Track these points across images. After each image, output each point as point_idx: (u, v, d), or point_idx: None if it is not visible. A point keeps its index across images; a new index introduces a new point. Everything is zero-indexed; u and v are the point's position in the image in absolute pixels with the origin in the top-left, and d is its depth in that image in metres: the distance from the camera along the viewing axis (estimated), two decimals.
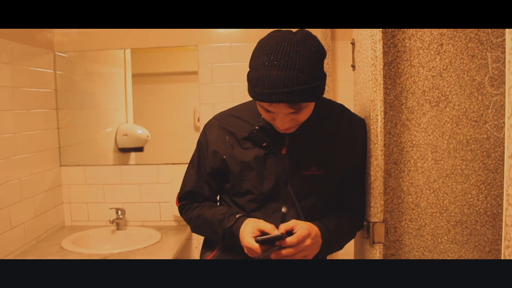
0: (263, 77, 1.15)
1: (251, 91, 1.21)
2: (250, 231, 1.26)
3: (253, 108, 1.39)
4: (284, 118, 1.23)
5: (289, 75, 1.13)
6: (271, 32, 1.22)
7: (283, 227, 1.25)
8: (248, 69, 1.23)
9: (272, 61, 1.14)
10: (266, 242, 1.22)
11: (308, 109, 1.25)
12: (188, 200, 1.50)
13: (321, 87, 1.21)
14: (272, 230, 1.24)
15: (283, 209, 1.29)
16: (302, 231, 1.23)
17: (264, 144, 1.35)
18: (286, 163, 1.35)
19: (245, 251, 1.27)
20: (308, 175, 1.36)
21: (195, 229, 1.49)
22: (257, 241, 1.21)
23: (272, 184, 1.36)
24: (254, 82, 1.18)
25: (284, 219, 1.28)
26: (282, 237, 1.21)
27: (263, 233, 1.25)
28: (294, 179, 1.35)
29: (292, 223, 1.26)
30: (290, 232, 1.25)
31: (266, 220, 1.29)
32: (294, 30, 1.23)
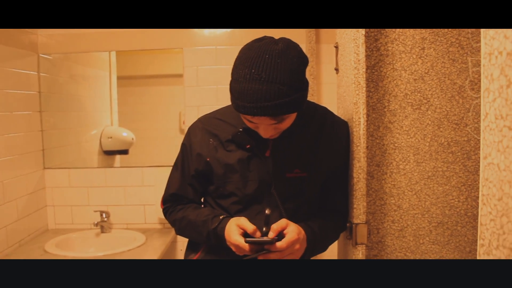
0: (245, 91, 1.15)
1: (233, 102, 1.23)
2: (235, 228, 1.27)
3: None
4: (267, 128, 1.25)
5: (270, 89, 1.13)
6: (253, 41, 1.22)
7: (276, 226, 1.26)
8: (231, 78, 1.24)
9: (253, 74, 1.14)
10: (256, 243, 1.23)
11: (290, 118, 1.26)
12: (172, 203, 1.51)
13: (303, 98, 1.23)
14: (254, 231, 1.25)
15: (267, 211, 1.31)
16: (292, 236, 1.24)
17: (248, 146, 1.36)
18: (270, 165, 1.36)
19: (233, 249, 1.28)
20: (292, 177, 1.37)
21: (179, 231, 1.50)
22: (246, 242, 1.22)
23: (256, 186, 1.37)
24: (236, 94, 1.19)
25: (268, 221, 1.29)
26: (272, 242, 1.22)
27: (245, 233, 1.26)
28: (277, 181, 1.36)
29: (284, 223, 1.27)
30: (280, 233, 1.26)
31: (249, 218, 1.30)
32: (276, 37, 1.24)
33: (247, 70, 1.16)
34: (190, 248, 1.54)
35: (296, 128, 1.37)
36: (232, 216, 1.38)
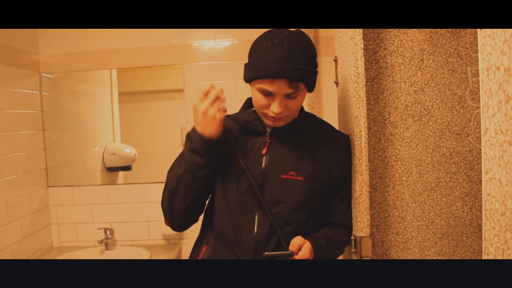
0: (267, 56, 1.23)
1: (252, 71, 1.27)
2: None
3: (242, 111, 1.46)
4: (281, 101, 1.27)
5: (291, 54, 1.22)
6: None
7: (297, 242, 1.29)
8: (247, 61, 1.30)
9: (276, 43, 1.23)
10: (275, 257, 1.27)
11: (301, 97, 1.30)
12: None
13: (316, 77, 1.31)
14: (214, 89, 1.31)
15: (257, 210, 1.31)
16: (305, 254, 1.27)
17: None
18: (265, 163, 1.37)
19: (204, 110, 1.34)
20: (287, 179, 1.35)
21: (172, 188, 1.39)
22: (265, 256, 1.26)
23: (248, 183, 1.35)
24: (256, 62, 1.25)
25: (258, 220, 1.30)
26: (290, 255, 1.26)
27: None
28: (271, 181, 1.35)
29: (300, 241, 1.29)
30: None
31: (239, 218, 1.34)
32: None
33: (269, 41, 1.25)
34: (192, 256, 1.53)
35: (296, 131, 1.38)
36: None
